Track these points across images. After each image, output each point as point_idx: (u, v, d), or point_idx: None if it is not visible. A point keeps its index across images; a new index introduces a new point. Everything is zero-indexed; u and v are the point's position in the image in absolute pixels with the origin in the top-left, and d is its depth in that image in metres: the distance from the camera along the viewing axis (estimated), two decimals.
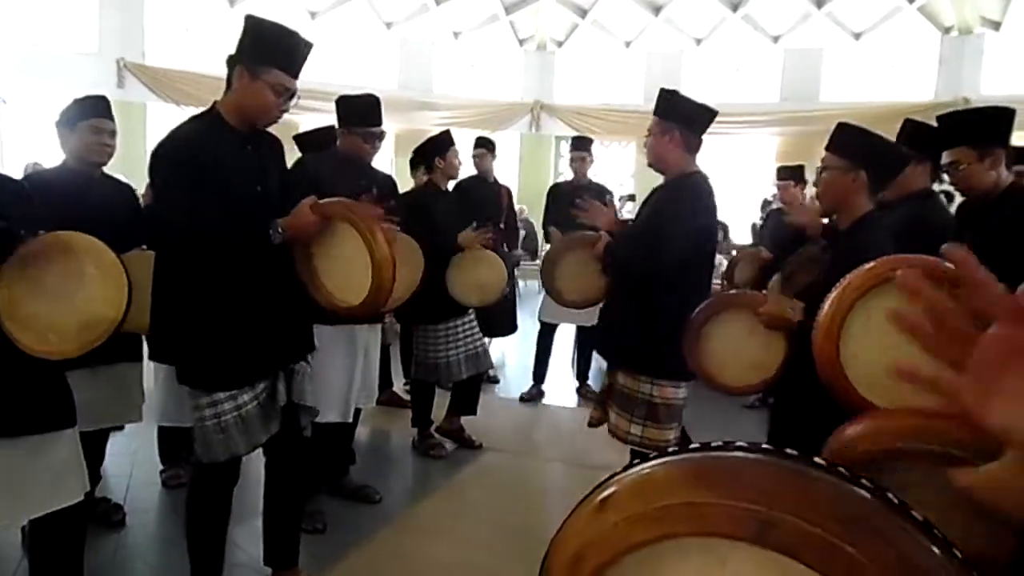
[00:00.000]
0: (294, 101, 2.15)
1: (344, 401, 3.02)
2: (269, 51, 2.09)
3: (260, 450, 2.30)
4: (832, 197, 2.18)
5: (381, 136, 3.10)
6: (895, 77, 11.27)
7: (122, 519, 3.02)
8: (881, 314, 1.40)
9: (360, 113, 3.06)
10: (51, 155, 2.84)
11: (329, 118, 3.32)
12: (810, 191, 5.44)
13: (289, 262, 2.18)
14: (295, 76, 2.13)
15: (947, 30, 10.86)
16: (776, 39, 12.01)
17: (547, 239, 4.77)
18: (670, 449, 0.59)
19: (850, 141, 2.15)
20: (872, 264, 1.46)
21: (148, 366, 3.01)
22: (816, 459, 0.52)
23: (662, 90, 2.67)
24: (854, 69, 11.50)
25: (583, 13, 12.78)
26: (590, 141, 4.99)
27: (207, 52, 11.03)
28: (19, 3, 9.57)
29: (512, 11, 12.78)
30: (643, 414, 2.60)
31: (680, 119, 2.59)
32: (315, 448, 2.96)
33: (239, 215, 2.06)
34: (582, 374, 5.20)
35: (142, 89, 10.74)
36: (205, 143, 2.05)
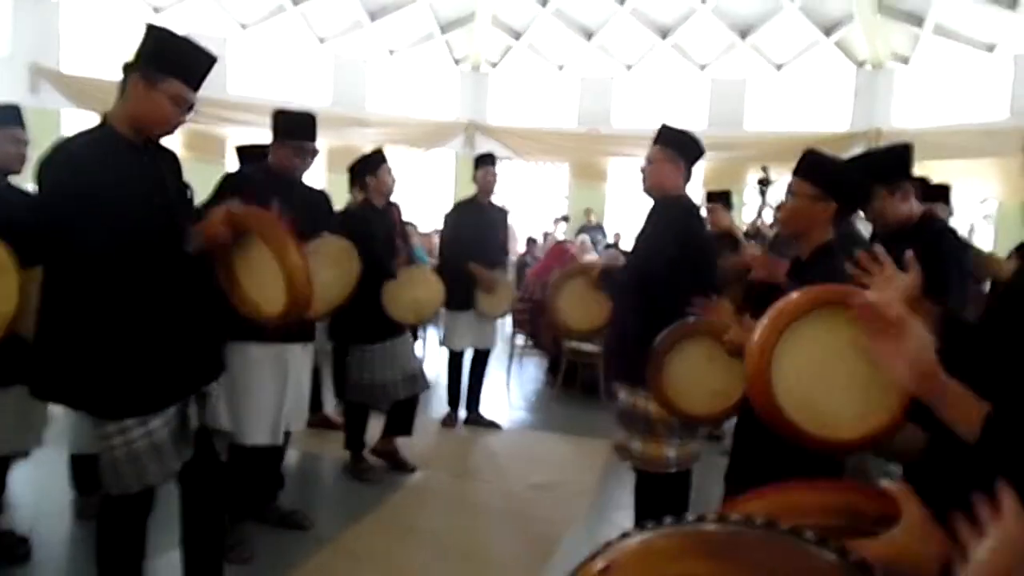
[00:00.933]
0: (191, 113, 2.08)
1: (273, 423, 2.89)
2: (170, 61, 2.01)
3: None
4: (797, 224, 2.11)
5: (313, 153, 3.02)
6: (813, 107, 11.85)
7: (27, 552, 2.80)
8: (811, 340, 1.42)
9: (293, 127, 2.99)
10: None
11: (258, 132, 3.24)
12: (745, 215, 5.55)
13: (196, 279, 2.10)
14: (195, 88, 2.07)
15: (861, 64, 11.50)
16: (703, 67, 12.45)
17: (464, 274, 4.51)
18: (666, 520, 0.59)
19: (821, 169, 2.08)
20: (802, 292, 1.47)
21: None
22: (810, 533, 0.53)
23: (664, 125, 2.80)
24: (775, 99, 12.04)
25: (517, 35, 12.95)
26: (494, 158, 4.91)
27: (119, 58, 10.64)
28: None
29: (448, 30, 12.83)
30: (642, 429, 2.62)
31: (682, 150, 2.73)
32: (240, 472, 2.84)
33: (137, 228, 1.95)
34: (473, 402, 4.94)
35: (57, 96, 10.26)
36: (97, 156, 1.94)
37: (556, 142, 12.90)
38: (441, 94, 13.26)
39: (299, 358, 3.00)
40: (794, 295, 1.47)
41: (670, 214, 2.70)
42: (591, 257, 6.83)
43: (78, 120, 10.40)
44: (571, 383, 5.97)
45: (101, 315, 1.93)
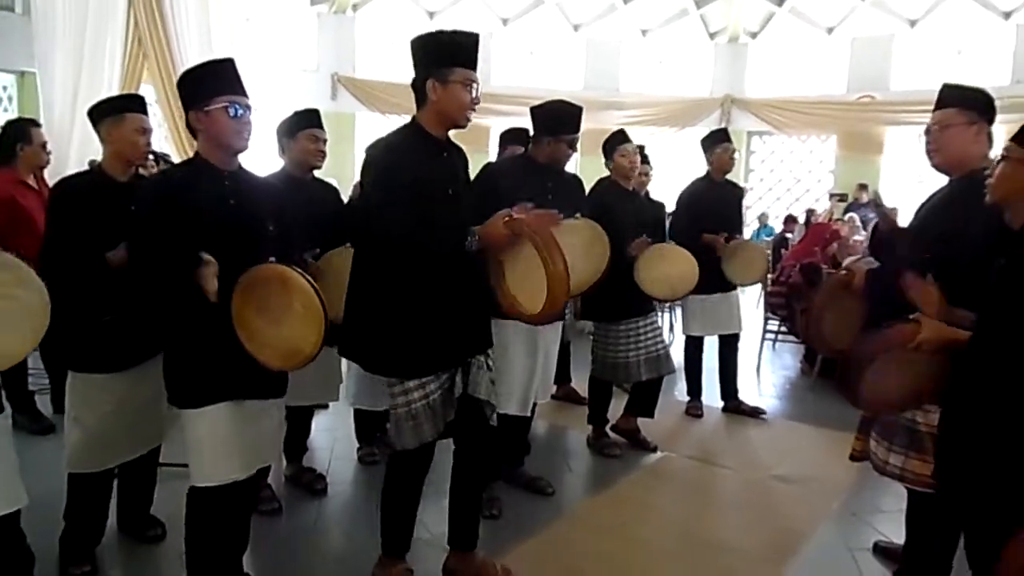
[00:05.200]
0: (478, 91, 2.29)
1: (523, 395, 3.10)
2: (446, 54, 2.25)
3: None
4: (1009, 190, 1.84)
5: (575, 144, 3.13)
6: None
7: (324, 488, 3.34)
8: None
9: (556, 123, 3.08)
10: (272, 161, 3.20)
11: (516, 121, 3.43)
12: None
13: (475, 263, 2.31)
14: (474, 68, 2.28)
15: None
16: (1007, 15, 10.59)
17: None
18: None
19: None
20: None
21: None
22: None
23: (953, 84, 2.36)
24: None
25: (780, 1, 12.09)
26: (727, 133, 4.58)
27: (409, 64, 11.85)
28: (254, 29, 10.85)
29: (703, 4, 12.40)
30: (905, 443, 2.30)
31: (984, 112, 2.29)
32: (495, 437, 3.11)
33: (437, 217, 2.23)
34: (727, 391, 4.76)
35: (352, 100, 11.77)
36: (411, 150, 2.25)
37: (822, 112, 11.86)
38: (695, 71, 12.88)
39: (549, 335, 3.17)
40: None
41: (980, 198, 1.96)
42: (859, 239, 6.23)
43: (370, 121, 11.87)
44: (830, 374, 5.53)
45: (397, 290, 2.25)
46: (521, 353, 3.06)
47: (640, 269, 3.68)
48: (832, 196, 10.47)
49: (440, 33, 2.31)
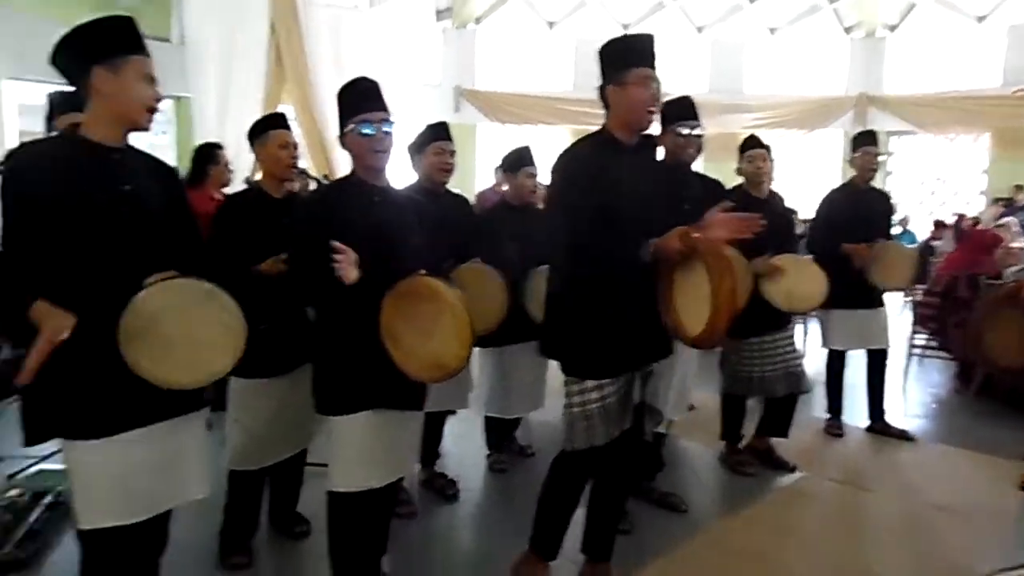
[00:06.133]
0: (659, 88, 2.29)
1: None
2: (625, 56, 2.29)
3: None
4: None
5: (693, 135, 2.98)
6: None
7: (455, 494, 3.41)
8: None
9: (670, 111, 3.01)
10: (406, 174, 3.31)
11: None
12: None
13: (653, 272, 2.29)
14: (652, 66, 2.29)
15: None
16: None
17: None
18: None
19: None
20: None
21: (474, 359, 3.33)
22: None
23: None
24: None
25: None
26: (876, 136, 4.29)
27: (527, 75, 12.00)
28: (382, 46, 11.32)
29: None
30: None
31: None
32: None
33: (624, 222, 2.23)
34: (875, 410, 4.42)
35: (474, 112, 12.05)
36: (594, 156, 2.29)
37: (973, 108, 10.94)
38: (826, 69, 12.25)
39: (685, 350, 3.02)
40: None
41: None
42: (1020, 246, 5.69)
43: (490, 132, 12.11)
44: (988, 393, 5.07)
45: (577, 292, 2.30)
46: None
47: (766, 280, 3.49)
48: (997, 200, 9.60)
49: (612, 40, 2.36)
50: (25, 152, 1.87)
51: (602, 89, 2.33)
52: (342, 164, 2.58)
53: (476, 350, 3.21)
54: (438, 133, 3.24)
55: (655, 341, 2.38)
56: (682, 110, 3.02)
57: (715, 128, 11.45)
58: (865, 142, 4.23)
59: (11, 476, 3.28)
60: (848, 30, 12.11)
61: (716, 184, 3.28)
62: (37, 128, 3.64)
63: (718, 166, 4.67)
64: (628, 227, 2.21)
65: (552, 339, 2.41)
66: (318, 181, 3.90)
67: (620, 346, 2.30)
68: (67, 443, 1.82)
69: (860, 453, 4.16)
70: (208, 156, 4.35)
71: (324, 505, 2.31)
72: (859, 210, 4.17)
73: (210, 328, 1.83)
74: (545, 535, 2.50)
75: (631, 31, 12.53)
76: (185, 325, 1.80)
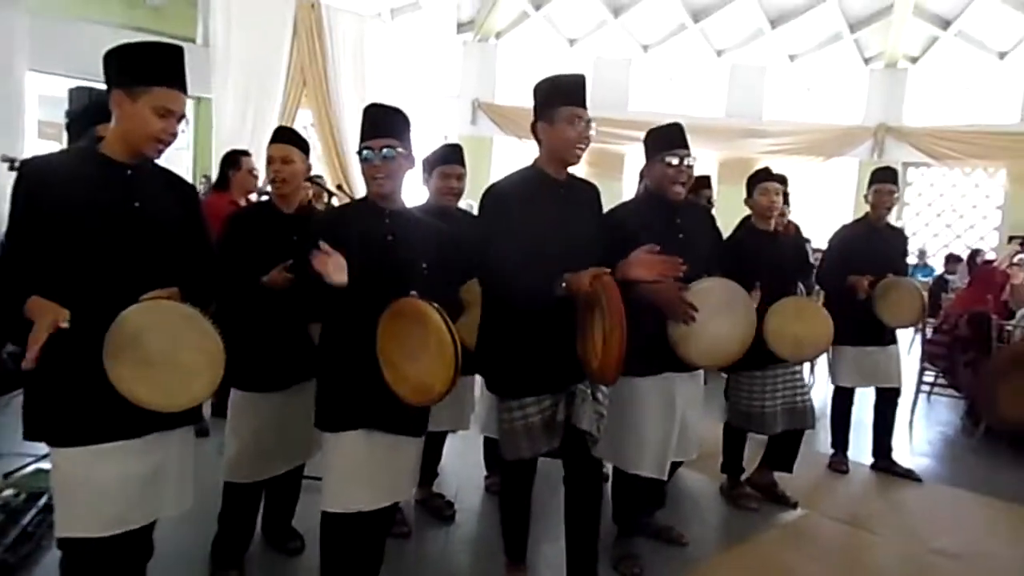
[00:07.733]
0: (587, 126, 2.36)
1: (659, 454, 2.85)
2: (555, 95, 2.38)
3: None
4: None
5: (684, 165, 2.74)
6: None
7: (452, 515, 3.37)
8: None
9: (660, 139, 2.80)
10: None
11: None
12: None
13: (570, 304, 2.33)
14: (581, 104, 2.36)
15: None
16: None
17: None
18: None
19: None
20: None
21: (477, 379, 3.31)
22: None
23: None
24: None
25: (946, 24, 11.26)
26: (895, 173, 4.20)
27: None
28: (404, 58, 11.39)
29: (858, 28, 11.77)
30: None
31: None
32: (627, 493, 3.02)
33: (544, 254, 2.30)
34: (880, 448, 4.35)
35: (490, 125, 12.08)
36: (518, 191, 2.39)
37: (990, 143, 10.89)
38: (846, 98, 12.21)
39: (690, 389, 2.95)
40: None
41: None
42: None
43: (506, 145, 12.14)
44: (998, 434, 5.00)
45: (499, 317, 2.42)
46: (655, 407, 2.82)
47: (769, 320, 3.33)
48: (1012, 239, 9.51)
49: (543, 79, 2.44)
50: (43, 159, 1.94)
51: (533, 125, 2.43)
52: (358, 173, 2.59)
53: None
54: (447, 156, 3.19)
55: (572, 365, 2.39)
56: (671, 137, 2.78)
57: (731, 152, 11.46)
58: (882, 178, 4.15)
59: (7, 475, 3.27)
60: (868, 60, 12.08)
61: (706, 212, 3.22)
62: (56, 118, 3.68)
63: (732, 190, 4.64)
64: (544, 260, 2.28)
65: (478, 358, 2.52)
66: (331, 193, 3.90)
67: (535, 368, 2.40)
68: (52, 448, 1.84)
69: (864, 492, 4.10)
70: (231, 162, 4.40)
71: (319, 520, 2.28)
72: (873, 247, 4.10)
73: (190, 353, 1.81)
74: (509, 539, 2.66)
75: (651, 53, 12.57)
76: (167, 347, 1.78)
